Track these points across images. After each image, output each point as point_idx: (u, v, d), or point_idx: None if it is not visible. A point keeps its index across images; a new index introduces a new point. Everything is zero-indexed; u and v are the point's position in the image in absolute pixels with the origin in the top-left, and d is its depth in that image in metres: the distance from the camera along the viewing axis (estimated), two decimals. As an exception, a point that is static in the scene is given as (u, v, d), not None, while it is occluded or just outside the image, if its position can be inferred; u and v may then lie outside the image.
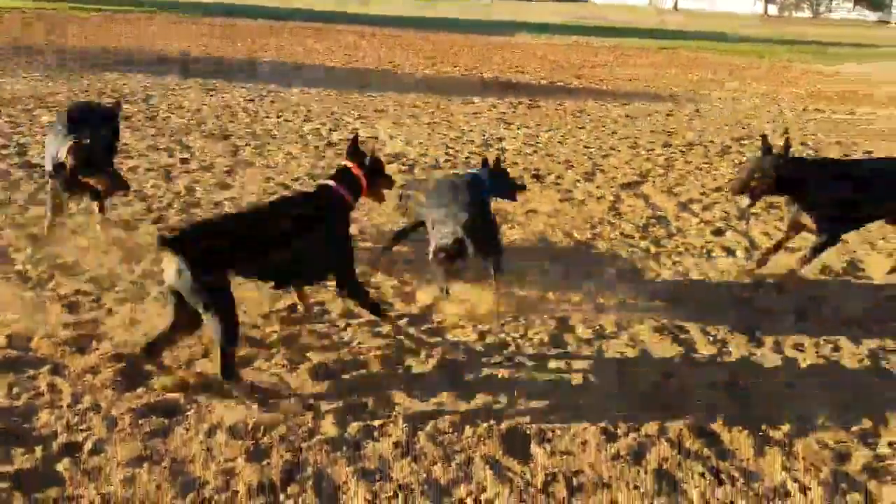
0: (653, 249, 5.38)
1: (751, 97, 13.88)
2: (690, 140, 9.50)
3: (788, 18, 49.92)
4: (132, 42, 15.98)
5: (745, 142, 9.56)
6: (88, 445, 2.80)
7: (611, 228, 5.82)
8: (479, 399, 3.26)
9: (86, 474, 2.65)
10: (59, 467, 2.68)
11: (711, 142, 9.45)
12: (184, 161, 6.89)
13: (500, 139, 8.83)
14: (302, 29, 22.35)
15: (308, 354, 3.57)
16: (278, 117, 9.24)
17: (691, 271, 5.00)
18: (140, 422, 2.95)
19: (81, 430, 2.90)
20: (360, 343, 3.72)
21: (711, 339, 3.99)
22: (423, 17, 32.48)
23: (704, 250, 5.42)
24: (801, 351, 3.90)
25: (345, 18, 27.86)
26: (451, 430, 3.01)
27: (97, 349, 3.48)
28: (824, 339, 4.02)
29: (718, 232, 5.86)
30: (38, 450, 2.76)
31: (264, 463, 2.75)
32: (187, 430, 2.93)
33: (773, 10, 53.13)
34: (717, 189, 7.14)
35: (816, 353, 3.88)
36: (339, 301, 4.10)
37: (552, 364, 3.62)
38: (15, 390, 3.12)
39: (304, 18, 26.24)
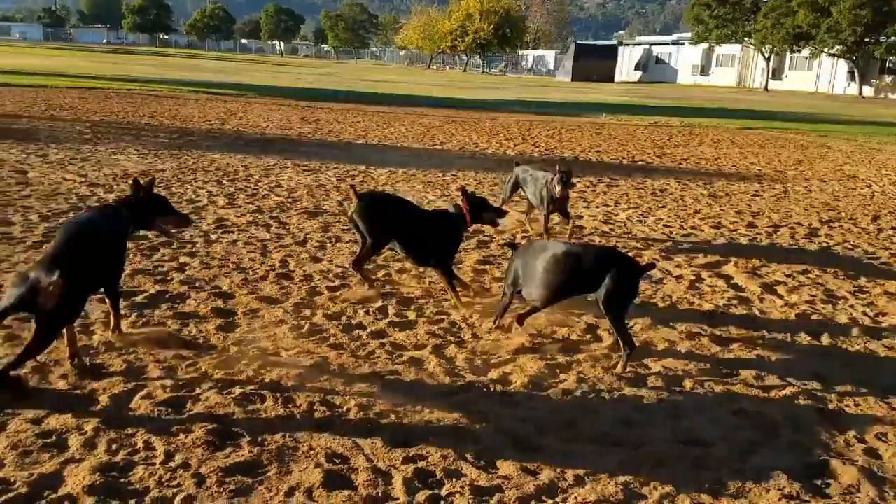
0: (734, 332, 5.32)
1: (840, 179, 13.55)
2: (776, 221, 9.36)
3: (884, 100, 48.53)
4: (231, 122, 17.14)
5: (834, 224, 9.34)
6: (178, 501, 3.00)
7: (689, 308, 5.79)
8: (546, 475, 3.30)
9: (174, 527, 2.84)
10: (151, 520, 2.89)
11: (798, 224, 9.27)
12: (279, 236, 7.31)
13: (578, 217, 8.95)
14: (388, 112, 23.37)
15: (382, 422, 3.71)
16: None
17: (773, 354, 4.91)
18: (226, 480, 3.14)
19: (172, 486, 3.11)
20: (430, 412, 3.84)
21: (792, 425, 3.90)
22: (502, 99, 33.39)
23: (788, 333, 5.32)
24: (884, 441, 3.76)
25: (427, 102, 28.93)
26: (515, 502, 3.07)
27: (190, 410, 3.74)
28: (913, 430, 3.86)
29: (803, 315, 5.74)
30: (132, 503, 2.98)
31: (337, 525, 2.88)
32: (269, 489, 3.10)
33: (868, 91, 51.79)
34: (804, 272, 7.00)
35: (904, 443, 3.73)
36: (412, 372, 4.27)
37: (621, 444, 3.63)
38: (114, 447, 3.38)
39: (389, 103, 27.43)
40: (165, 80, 30.35)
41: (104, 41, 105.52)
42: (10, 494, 2.96)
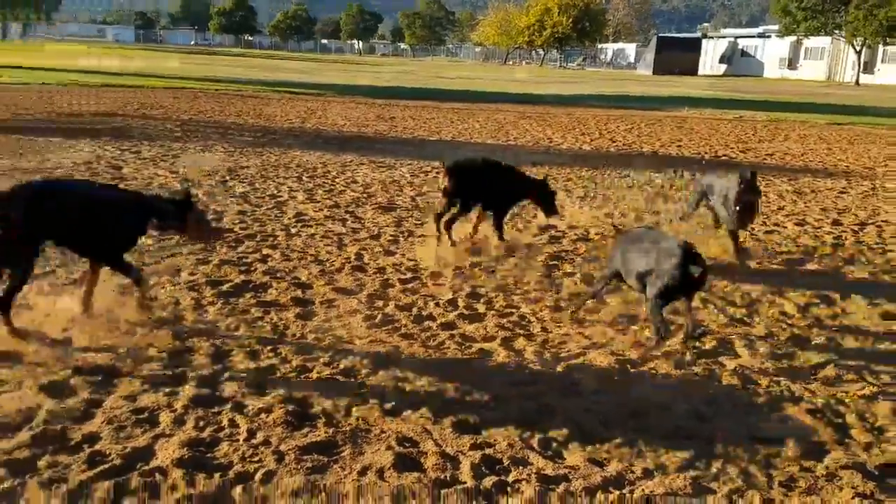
0: (814, 330, 5.18)
1: (939, 174, 12.85)
2: (863, 219, 8.99)
3: None
4: (311, 121, 17.61)
5: (927, 223, 8.89)
6: (259, 476, 3.19)
7: (769, 306, 5.67)
8: (613, 466, 3.34)
9: (255, 501, 3.02)
10: (234, 493, 3.07)
11: (886, 222, 8.88)
12: (355, 230, 7.53)
13: (656, 213, 8.83)
14: (462, 109, 23.50)
15: (452, 409, 3.82)
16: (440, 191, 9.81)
17: (853, 354, 4.77)
18: (304, 458, 3.31)
19: (254, 461, 3.30)
20: (499, 403, 3.92)
21: (869, 425, 3.80)
22: (579, 94, 33.00)
23: (870, 334, 5.15)
24: (974, 445, 3.62)
25: (502, 98, 28.89)
26: (582, 492, 3.12)
27: (271, 392, 3.94)
28: None
29: (888, 315, 5.54)
30: (217, 476, 3.18)
31: (407, 505, 3.00)
32: (343, 468, 3.25)
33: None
34: (889, 271, 6.73)
35: None
36: (481, 363, 4.37)
37: (692, 439, 3.62)
38: (201, 424, 3.61)
39: (464, 99, 27.54)
40: (249, 80, 31.40)
41: (192, 42, 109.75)
42: (106, 466, 3.21)
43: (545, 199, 7.16)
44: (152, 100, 20.56)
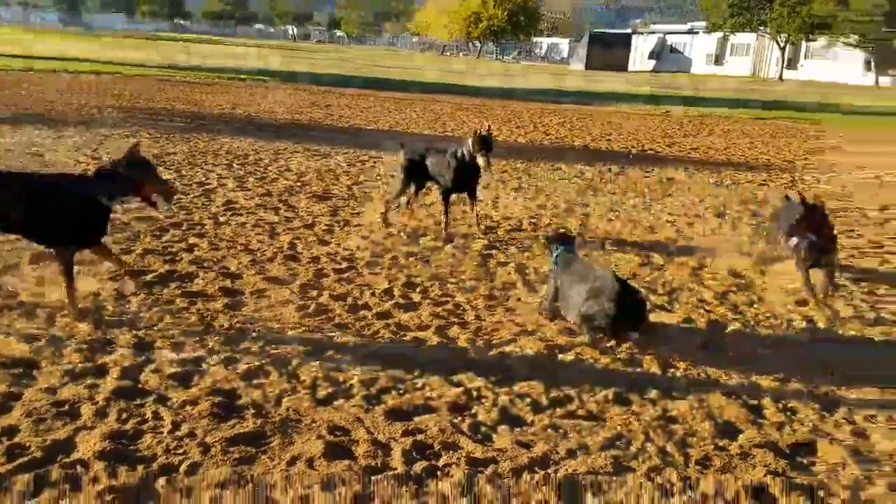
0: (730, 316, 5.40)
1: (850, 169, 13.52)
2: (781, 210, 9.38)
3: (902, 88, 48.01)
4: (242, 107, 17.26)
5: (840, 214, 9.35)
6: (183, 467, 3.14)
7: (689, 294, 5.88)
8: (539, 448, 3.42)
9: (179, 493, 2.97)
10: (157, 485, 3.02)
11: (803, 212, 9.29)
12: (288, 219, 7.44)
13: (585, 205, 9.02)
14: (400, 99, 23.43)
15: (384, 397, 3.84)
16: (376, 180, 9.79)
17: (768, 339, 5.00)
18: (230, 449, 3.27)
19: (178, 453, 3.24)
20: (432, 389, 3.96)
21: (781, 406, 4.00)
22: (517, 87, 33.34)
23: (784, 319, 5.40)
24: (873, 423, 3.85)
25: (439, 89, 28.95)
26: (510, 475, 3.19)
27: (198, 384, 3.87)
28: (902, 413, 3.95)
29: (801, 302, 5.81)
30: (140, 468, 3.12)
31: (337, 492, 3.01)
32: (271, 458, 3.23)
33: (885, 81, 51.18)
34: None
35: (891, 429, 3.82)
36: (415, 351, 4.40)
37: (614, 420, 3.74)
38: (124, 416, 3.52)
39: (402, 89, 27.46)
40: (179, 65, 30.51)
41: (120, 27, 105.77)
42: (25, 458, 3.11)
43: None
44: (76, 85, 19.76)
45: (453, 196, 7.30)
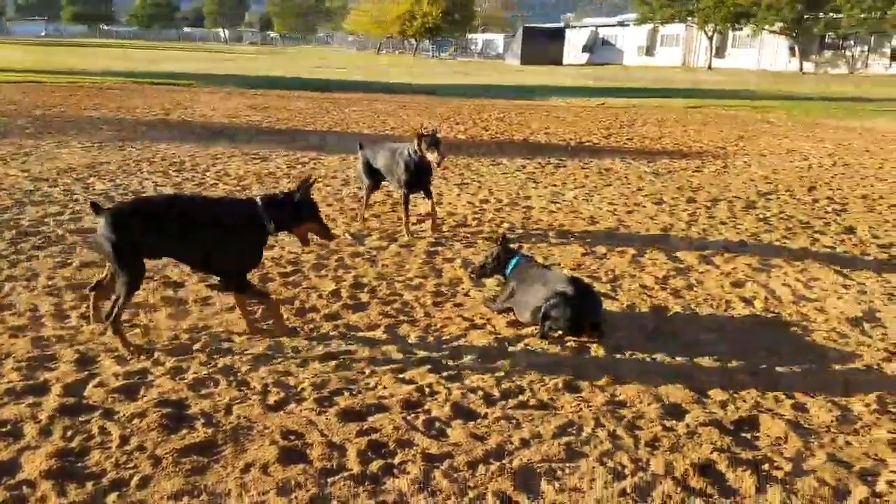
0: (671, 300, 5.57)
1: (779, 153, 14.03)
2: (715, 196, 9.69)
3: (824, 75, 49.98)
4: (176, 112, 16.87)
5: (771, 197, 9.71)
6: (135, 481, 3.07)
7: (631, 280, 6.03)
8: (493, 440, 3.47)
9: (132, 507, 2.92)
10: (108, 501, 2.95)
11: (737, 197, 9.62)
12: (226, 224, 7.30)
13: (527, 198, 9.14)
14: (339, 99, 23.26)
15: (336, 399, 3.83)
16: (318, 181, 9.71)
17: (709, 320, 5.17)
18: (182, 460, 3.22)
19: (128, 467, 3.18)
20: (384, 388, 3.97)
21: (725, 384, 4.14)
22: (459, 84, 33.47)
23: (723, 301, 5.59)
24: (812, 396, 4.03)
25: (379, 88, 28.86)
26: (465, 467, 3.22)
27: (144, 396, 3.79)
28: (838, 389, 4.15)
29: (738, 283, 6.03)
30: (89, 485, 3.04)
31: (293, 496, 2.99)
32: (224, 467, 3.19)
33: (808, 67, 53.21)
34: (740, 243, 7.32)
35: (828, 402, 4.00)
36: (366, 351, 4.40)
37: (565, 408, 3.82)
38: (69, 433, 3.43)
39: (340, 89, 27.28)
40: (107, 71, 29.60)
41: (42, 33, 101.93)
42: (-33, 483, 3.00)
43: None
44: (-3, 94, 19.00)
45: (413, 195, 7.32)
